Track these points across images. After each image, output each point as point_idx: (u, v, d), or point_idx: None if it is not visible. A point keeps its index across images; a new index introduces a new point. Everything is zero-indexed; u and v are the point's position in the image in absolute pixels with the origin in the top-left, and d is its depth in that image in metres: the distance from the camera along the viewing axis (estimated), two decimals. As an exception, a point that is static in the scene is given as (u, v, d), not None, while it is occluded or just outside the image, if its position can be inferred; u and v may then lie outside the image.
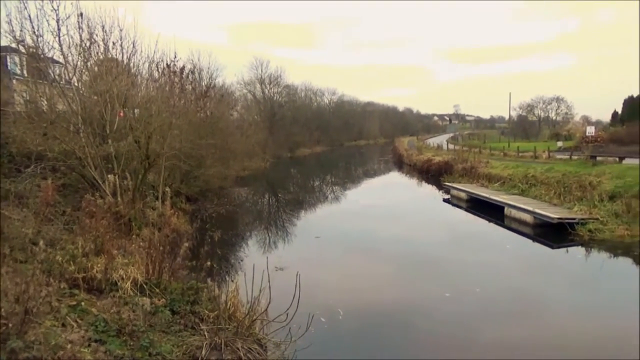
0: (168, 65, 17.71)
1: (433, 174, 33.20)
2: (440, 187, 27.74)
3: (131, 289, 7.22)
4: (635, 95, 46.64)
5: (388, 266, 12.37)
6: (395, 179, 39.21)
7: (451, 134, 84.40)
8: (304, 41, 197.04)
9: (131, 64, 16.13)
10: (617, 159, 22.94)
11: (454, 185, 25.18)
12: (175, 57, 18.95)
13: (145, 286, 7.35)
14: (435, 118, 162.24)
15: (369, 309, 9.19)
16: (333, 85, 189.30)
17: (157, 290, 7.33)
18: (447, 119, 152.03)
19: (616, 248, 13.13)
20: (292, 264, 11.20)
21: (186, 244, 8.19)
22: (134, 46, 15.50)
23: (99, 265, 7.53)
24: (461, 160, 31.46)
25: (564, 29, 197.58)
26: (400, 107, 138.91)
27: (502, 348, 7.50)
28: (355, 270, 12.02)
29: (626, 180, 16.62)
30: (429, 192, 28.95)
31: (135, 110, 14.64)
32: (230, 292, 7.31)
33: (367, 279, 11.32)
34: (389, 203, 23.88)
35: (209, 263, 7.69)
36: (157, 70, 17.12)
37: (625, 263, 12.28)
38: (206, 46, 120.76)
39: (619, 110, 49.10)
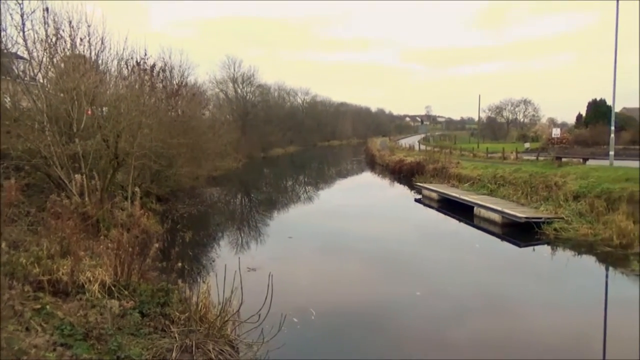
0: (138, 63, 17.38)
1: (405, 174, 33.57)
2: (412, 187, 28.08)
3: (99, 291, 7.05)
4: (598, 98, 48.19)
5: (360, 266, 12.46)
6: (368, 179, 39.50)
7: (423, 135, 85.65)
8: (278, 39, 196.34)
9: (99, 61, 15.79)
10: (582, 160, 23.72)
11: (426, 185, 25.53)
12: (146, 54, 18.61)
13: (113, 288, 7.19)
14: (407, 119, 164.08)
15: (341, 309, 9.22)
16: (306, 84, 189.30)
17: (126, 293, 7.18)
18: (419, 119, 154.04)
19: (580, 246, 13.55)
20: (264, 265, 11.15)
21: (156, 245, 8.06)
22: (102, 43, 15.16)
23: (65, 267, 7.32)
24: (432, 160, 31.91)
25: (532, 33, 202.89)
26: (373, 108, 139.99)
27: (473, 345, 7.65)
28: (327, 270, 12.05)
29: (590, 180, 17.16)
30: (401, 192, 29.28)
31: (104, 109, 14.32)
32: (201, 294, 7.23)
33: (339, 278, 11.36)
34: (361, 203, 24.04)
35: (179, 264, 7.59)
36: (127, 67, 16.79)
37: (589, 261, 12.70)
38: (178, 43, 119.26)
39: (583, 113, 50.61)
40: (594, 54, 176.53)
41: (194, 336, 6.16)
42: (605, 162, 20.99)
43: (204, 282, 8.33)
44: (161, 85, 22.04)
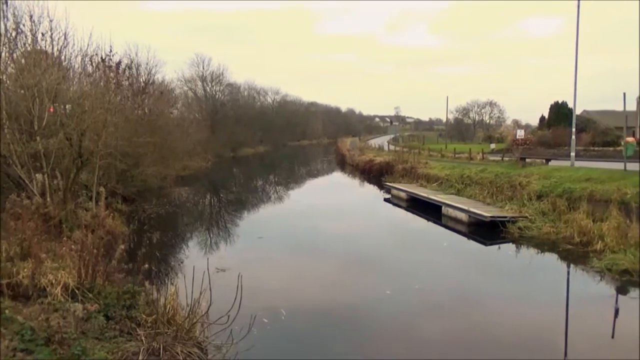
0: (103, 60, 17.00)
1: (374, 174, 33.88)
2: (381, 187, 28.36)
3: (62, 294, 6.83)
4: (560, 101, 49.80)
5: (330, 265, 12.49)
6: (338, 179, 39.68)
7: (392, 135, 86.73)
8: (247, 36, 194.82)
9: (62, 57, 15.33)
10: (544, 160, 24.43)
11: (395, 185, 25.83)
12: (111, 51, 18.25)
13: (77, 291, 6.98)
14: (377, 119, 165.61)
15: (312, 308, 9.23)
16: (276, 84, 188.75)
17: (90, 296, 6.98)
18: (388, 120, 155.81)
19: (543, 244, 13.96)
20: (234, 265, 11.04)
21: (122, 246, 7.88)
22: (65, 38, 14.76)
23: (25, 270, 7.07)
24: (401, 161, 32.31)
25: (497, 37, 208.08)
26: (343, 108, 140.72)
27: (442, 341, 7.78)
28: (298, 270, 12.03)
29: (552, 180, 17.71)
30: (371, 192, 29.52)
31: (67, 106, 13.90)
32: (169, 295, 7.10)
33: (309, 278, 11.37)
34: (331, 203, 24.12)
35: (146, 266, 7.42)
36: (91, 64, 16.39)
37: (551, 258, 13.09)
38: (145, 40, 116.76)
39: (546, 115, 52.17)
40: (557, 58, 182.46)
41: (162, 339, 6.04)
42: (567, 163, 21.69)
43: (172, 283, 8.20)
44: (127, 83, 21.61)
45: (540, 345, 7.65)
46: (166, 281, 10.34)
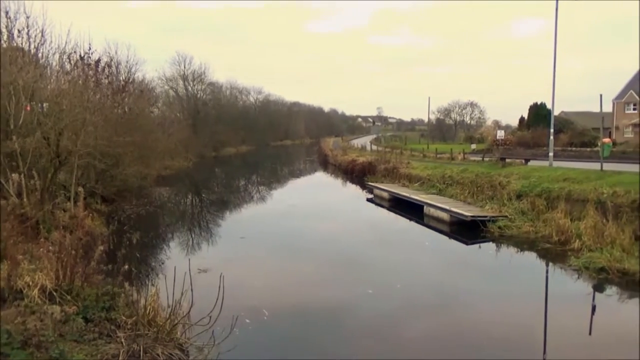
0: (82, 57, 16.70)
1: (357, 174, 33.99)
2: (364, 187, 28.46)
3: (39, 297, 6.70)
4: (539, 102, 50.65)
5: (313, 265, 12.49)
6: (321, 178, 39.71)
7: (374, 135, 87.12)
8: (228, 35, 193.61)
9: (39, 55, 15.02)
10: (524, 160, 24.81)
11: (377, 185, 25.95)
12: (90, 48, 17.93)
13: (55, 293, 6.85)
14: (360, 119, 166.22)
15: (294, 308, 9.21)
16: (259, 83, 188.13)
17: (69, 297, 6.85)
18: (371, 120, 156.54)
19: (523, 243, 14.18)
20: (215, 266, 10.96)
21: (101, 247, 7.73)
22: (42, 35, 14.46)
23: (1, 272, 6.90)
24: (384, 161, 32.48)
25: (478, 38, 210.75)
26: (326, 108, 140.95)
27: (424, 338, 7.85)
28: (280, 271, 12.00)
29: (531, 180, 17.99)
30: (353, 192, 29.61)
31: (44, 105, 13.62)
32: (150, 297, 7.01)
33: (292, 278, 11.35)
34: (314, 203, 24.13)
35: (126, 267, 7.31)
36: (70, 62, 16.08)
37: (530, 257, 13.30)
38: (125, 38, 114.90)
39: (526, 116, 52.99)
40: (537, 59, 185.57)
41: (142, 341, 5.97)
42: (545, 163, 22.06)
43: (152, 284, 8.11)
44: (107, 81, 21.26)
45: (520, 343, 7.77)
46: (147, 282, 10.21)
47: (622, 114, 56.64)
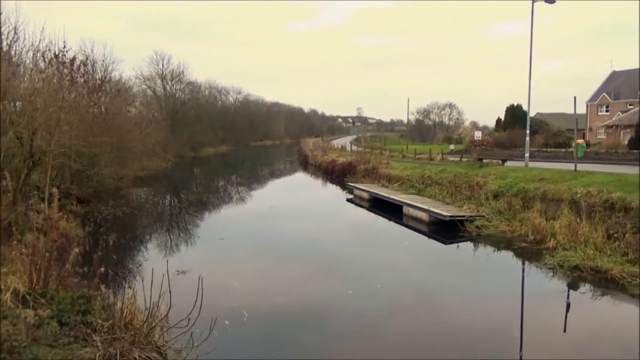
0: (56, 55, 16.36)
1: (337, 174, 34.07)
2: (344, 187, 28.53)
3: (11, 300, 6.53)
4: (515, 104, 51.51)
5: (293, 266, 12.47)
6: (301, 179, 39.67)
7: (354, 136, 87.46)
8: (207, 36, 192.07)
9: (12, 52, 14.65)
10: (500, 161, 25.22)
11: (357, 185, 26.05)
12: (65, 46, 17.58)
13: (28, 297, 6.68)
14: (340, 120, 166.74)
15: (273, 309, 9.17)
16: (238, 83, 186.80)
17: (43, 301, 6.70)
18: (351, 121, 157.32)
19: (500, 242, 14.40)
20: (194, 267, 10.85)
21: (76, 250, 7.58)
22: (15, 32, 14.11)
23: (-29, 275, 6.71)
24: (364, 161, 32.64)
25: (457, 39, 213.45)
26: (306, 108, 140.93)
27: (404, 337, 7.90)
28: (260, 271, 11.94)
29: (508, 180, 18.30)
30: (333, 192, 29.67)
31: (17, 104, 13.28)
32: (127, 299, 6.90)
33: (272, 279, 11.30)
34: (294, 203, 24.09)
35: (103, 269, 7.17)
36: (44, 60, 15.73)
37: (507, 256, 13.52)
38: (101, 36, 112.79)
39: (503, 117, 53.82)
40: (513, 62, 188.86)
41: (119, 344, 5.86)
42: (521, 163, 22.46)
43: (129, 287, 7.96)
44: (82, 80, 20.88)
45: (498, 340, 7.90)
46: (124, 285, 10.03)
47: (595, 116, 58.13)
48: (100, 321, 6.44)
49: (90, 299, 6.88)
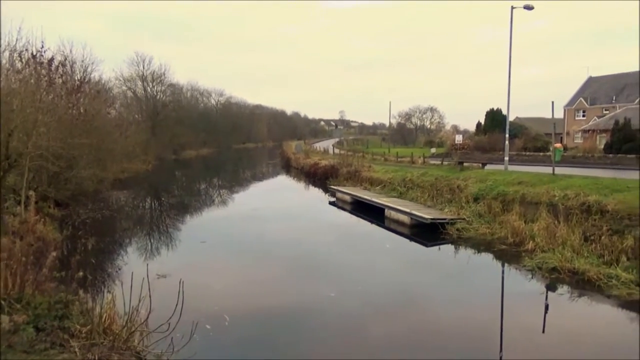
0: (34, 56, 16.06)
1: (320, 177, 34.08)
2: (326, 190, 28.55)
3: (-15, 306, 6.36)
4: (495, 108, 52.21)
5: (274, 269, 12.42)
6: (283, 182, 39.60)
7: (337, 139, 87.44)
8: (189, 36, 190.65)
9: (-13, 52, 14.32)
10: (481, 164, 25.54)
11: (339, 188, 26.10)
12: (43, 46, 17.27)
13: (3, 302, 6.52)
14: (322, 123, 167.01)
15: (255, 313, 9.12)
16: (221, 85, 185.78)
17: (18, 306, 6.54)
18: (333, 124, 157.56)
19: (480, 245, 14.57)
20: (175, 271, 10.73)
21: (54, 253, 7.44)
22: (-9, 32, 13.76)
23: (-57, 280, 6.52)
24: (346, 164, 32.72)
25: (439, 43, 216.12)
26: (289, 111, 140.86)
27: (385, 341, 7.92)
28: (242, 275, 11.87)
29: (487, 184, 18.53)
30: (316, 195, 29.67)
31: (-7, 104, 12.98)
32: (105, 304, 6.77)
33: (254, 283, 11.23)
34: (276, 206, 24.02)
35: (81, 273, 7.05)
36: (21, 60, 15.43)
37: (487, 258, 13.67)
38: (81, 36, 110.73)
39: (482, 121, 54.48)
40: (493, 67, 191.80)
41: (97, 350, 5.76)
42: (501, 167, 22.77)
43: (108, 291, 7.86)
44: (61, 81, 20.52)
45: (478, 341, 7.98)
46: (103, 289, 9.87)
47: (572, 120, 59.38)
48: (78, 326, 6.32)
49: (67, 303, 6.75)
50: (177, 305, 6.03)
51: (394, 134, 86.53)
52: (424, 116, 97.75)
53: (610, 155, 31.26)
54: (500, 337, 8.17)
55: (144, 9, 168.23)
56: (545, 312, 9.45)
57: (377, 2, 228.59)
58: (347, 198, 23.95)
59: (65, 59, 24.02)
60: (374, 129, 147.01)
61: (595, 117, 54.09)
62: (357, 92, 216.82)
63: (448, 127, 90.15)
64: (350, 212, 21.84)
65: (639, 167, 18.91)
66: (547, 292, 10.57)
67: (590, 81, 63.39)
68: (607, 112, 53.87)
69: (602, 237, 11.82)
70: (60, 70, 20.61)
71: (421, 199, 20.53)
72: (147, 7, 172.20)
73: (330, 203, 24.88)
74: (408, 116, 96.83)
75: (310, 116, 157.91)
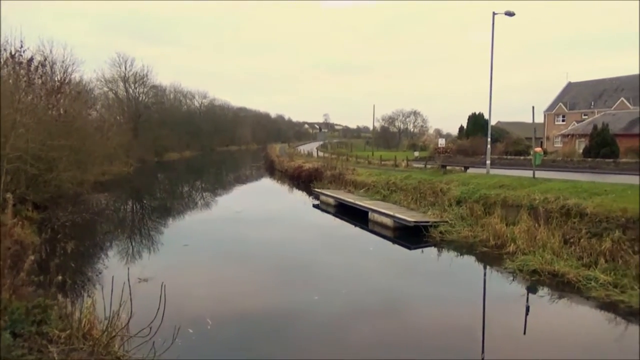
0: (12, 55, 15.76)
1: (304, 180, 34.05)
2: (310, 193, 28.54)
3: (-40, 311, 6.19)
4: (477, 112, 52.90)
5: (259, 273, 12.36)
6: (267, 185, 39.48)
7: (321, 142, 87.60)
8: (172, 38, 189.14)
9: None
10: (463, 168, 25.80)
11: (323, 191, 26.10)
12: (22, 46, 16.95)
13: (-22, 307, 6.36)
14: (306, 126, 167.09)
15: (238, 317, 9.06)
16: (204, 87, 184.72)
17: (-6, 311, 6.39)
18: (318, 127, 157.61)
19: (462, 247, 14.70)
20: (157, 275, 10.60)
21: (32, 257, 7.27)
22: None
23: None
24: (330, 167, 32.75)
25: (421, 47, 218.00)
26: (273, 114, 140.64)
27: (368, 343, 7.93)
28: (225, 278, 11.79)
29: (470, 187, 18.71)
30: (300, 198, 29.63)
31: (-31, 105, 12.72)
32: (85, 309, 6.66)
33: (237, 286, 11.17)
34: (260, 209, 23.92)
35: (60, 277, 6.91)
36: (-1, 60, 15.11)
37: (469, 260, 13.81)
38: (61, 37, 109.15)
39: (465, 125, 55.11)
40: (476, 71, 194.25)
41: (76, 355, 5.65)
42: (483, 170, 23.05)
43: (88, 296, 7.72)
44: (40, 81, 20.16)
45: (461, 343, 8.04)
46: (82, 293, 9.70)
47: (552, 125, 60.48)
48: (57, 331, 6.19)
49: (46, 308, 6.60)
50: (158, 309, 5.96)
51: (377, 137, 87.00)
52: (407, 120, 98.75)
53: (589, 159, 31.91)
54: (482, 339, 8.25)
55: (127, 10, 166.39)
56: (527, 314, 9.58)
57: (361, 3, 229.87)
58: (331, 201, 23.98)
59: (45, 60, 23.62)
60: (358, 132, 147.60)
61: (575, 122, 55.16)
62: (341, 95, 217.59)
63: (431, 131, 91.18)
64: (334, 215, 21.86)
65: (639, 172, 19.29)
66: (528, 294, 10.71)
67: (570, 87, 64.69)
68: (586, 117, 55.01)
69: (581, 240, 12.02)
70: (39, 70, 20.25)
71: (404, 202, 20.64)
72: (130, 8, 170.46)
73: (314, 206, 24.88)
74: (391, 120, 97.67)
75: (294, 119, 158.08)
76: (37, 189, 17.98)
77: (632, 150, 34.73)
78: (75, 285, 10.22)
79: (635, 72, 56.67)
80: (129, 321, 6.17)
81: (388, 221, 17.94)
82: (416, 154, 46.71)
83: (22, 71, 16.60)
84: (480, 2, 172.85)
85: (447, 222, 16.58)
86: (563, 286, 10.56)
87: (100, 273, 11.81)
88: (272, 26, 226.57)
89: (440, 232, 15.80)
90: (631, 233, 11.31)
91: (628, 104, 52.17)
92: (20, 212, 14.95)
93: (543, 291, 10.67)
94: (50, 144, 17.38)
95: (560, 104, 61.74)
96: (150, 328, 6.00)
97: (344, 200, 22.58)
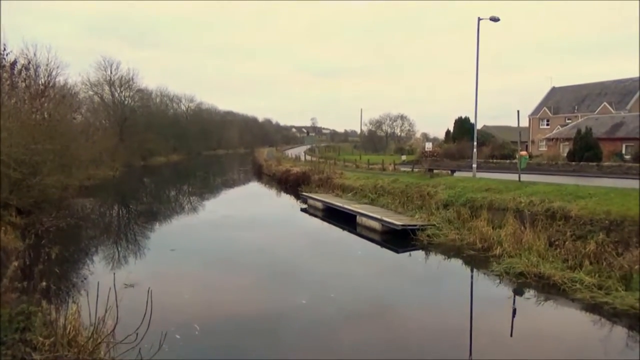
0: (-5, 59, 15.50)
1: (291, 184, 34.01)
2: (298, 196, 28.51)
3: (-60, 319, 6.06)
4: (463, 116, 53.30)
5: (246, 277, 12.29)
6: (255, 189, 39.36)
7: (309, 146, 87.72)
8: (158, 41, 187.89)
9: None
10: (450, 171, 26.00)
11: (311, 195, 26.09)
12: (5, 49, 16.73)
13: (-40, 315, 6.23)
14: (294, 130, 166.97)
15: (226, 322, 9.01)
16: (190, 91, 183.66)
17: (-23, 319, 6.26)
18: (305, 131, 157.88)
19: (449, 250, 14.79)
20: (143, 280, 10.50)
21: (15, 263, 7.15)
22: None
23: None
24: (318, 171, 32.76)
25: (408, 52, 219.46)
26: (260, 118, 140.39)
27: (357, 347, 7.93)
28: (212, 283, 11.71)
29: (456, 190, 18.86)
30: (288, 202, 29.58)
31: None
32: (70, 315, 6.57)
33: (224, 291, 11.10)
34: (248, 213, 23.83)
35: (44, 284, 6.81)
36: (-19, 63, 14.87)
37: (456, 263, 13.91)
38: (45, 39, 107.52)
39: (452, 129, 55.48)
40: (462, 75, 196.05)
41: (61, 363, 5.56)
42: (469, 174, 23.22)
43: (73, 302, 7.62)
44: (24, 85, 19.92)
45: (448, 345, 8.09)
46: (67, 300, 9.57)
47: (537, 129, 61.19)
48: (41, 339, 6.09)
49: (30, 315, 6.49)
50: (145, 315, 5.90)
51: (365, 141, 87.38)
52: (394, 124, 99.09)
53: (573, 162, 32.31)
54: (469, 341, 8.30)
55: (113, 12, 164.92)
56: (513, 316, 9.66)
57: (347, 4, 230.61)
58: (319, 205, 23.97)
59: (29, 63, 23.40)
60: (346, 136, 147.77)
61: (559, 126, 55.88)
62: (329, 99, 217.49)
63: (418, 135, 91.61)
64: (322, 219, 21.86)
65: (639, 176, 19.53)
66: (514, 296, 10.81)
67: (554, 91, 65.58)
68: (570, 121, 55.78)
69: (566, 242, 12.18)
70: (23, 73, 20.04)
71: (392, 206, 20.72)
72: (116, 10, 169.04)
73: (302, 210, 24.85)
74: (379, 124, 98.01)
75: (282, 123, 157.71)
76: (20, 194, 17.69)
77: (614, 154, 35.31)
78: (59, 291, 10.07)
79: (618, 77, 57.84)
80: (115, 327, 6.09)
81: (376, 225, 17.98)
82: (403, 157, 46.89)
83: (5, 74, 16.39)
84: (466, 6, 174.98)
85: (434, 225, 16.66)
86: (549, 288, 10.68)
87: (85, 279, 11.66)
88: (258, 29, 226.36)
89: (428, 236, 15.88)
90: (615, 235, 11.49)
91: (610, 109, 53.04)
92: (3, 217, 14.71)
93: (529, 293, 10.77)
94: (34, 148, 17.14)
95: (545, 108, 62.56)
96: (137, 334, 5.94)
97: (332, 204, 22.60)
